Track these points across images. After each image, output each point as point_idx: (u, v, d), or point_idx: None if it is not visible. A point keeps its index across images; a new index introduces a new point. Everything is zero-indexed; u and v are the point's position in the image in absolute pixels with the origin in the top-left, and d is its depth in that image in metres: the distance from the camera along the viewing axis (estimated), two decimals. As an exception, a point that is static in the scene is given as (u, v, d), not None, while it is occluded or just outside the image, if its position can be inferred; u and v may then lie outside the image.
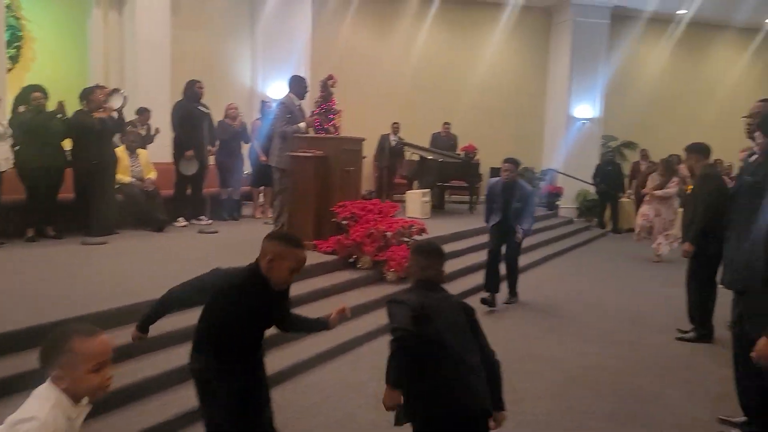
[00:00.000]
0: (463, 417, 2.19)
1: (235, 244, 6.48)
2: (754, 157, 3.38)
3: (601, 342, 5.21)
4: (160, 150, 8.20)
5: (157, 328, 2.66)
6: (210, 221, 7.80)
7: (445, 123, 11.99)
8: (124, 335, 2.89)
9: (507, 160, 6.10)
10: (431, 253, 2.49)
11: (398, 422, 2.30)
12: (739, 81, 14.87)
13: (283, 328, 2.70)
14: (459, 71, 13.46)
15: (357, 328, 4.87)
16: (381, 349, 4.69)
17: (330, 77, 12.05)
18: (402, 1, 12.84)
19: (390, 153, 11.12)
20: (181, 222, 7.69)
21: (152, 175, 7.50)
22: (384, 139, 11.30)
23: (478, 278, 6.77)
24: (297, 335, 4.28)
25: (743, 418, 3.44)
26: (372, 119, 11.62)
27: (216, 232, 7.23)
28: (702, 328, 5.25)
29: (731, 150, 9.44)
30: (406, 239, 6.44)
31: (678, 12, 13.40)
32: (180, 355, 3.35)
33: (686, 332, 5.34)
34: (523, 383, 4.08)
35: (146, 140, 8.13)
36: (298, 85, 6.93)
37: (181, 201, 7.85)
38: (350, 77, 12.37)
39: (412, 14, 13.04)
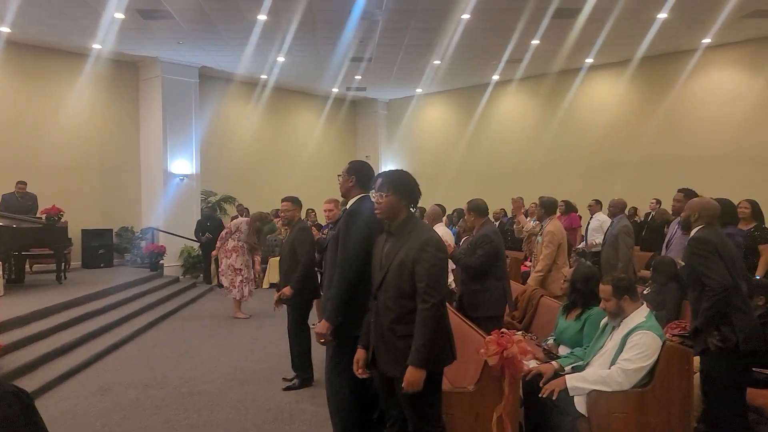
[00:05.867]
0: None
1: None
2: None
3: (210, 408, 5.08)
4: None
5: None
6: None
7: (19, 182, 10.33)
8: None
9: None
10: None
11: None
12: (319, 140, 17.12)
13: None
14: (35, 124, 11.86)
15: None
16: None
17: None
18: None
19: None
20: None
21: None
22: None
23: (72, 361, 5.95)
24: None
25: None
26: None
27: None
28: (304, 374, 5.64)
29: (318, 200, 10.55)
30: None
31: (261, 76, 14.67)
32: None
33: (290, 380, 5.64)
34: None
35: None
36: None
37: None
38: None
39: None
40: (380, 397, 3.24)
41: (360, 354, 3.18)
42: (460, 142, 16.79)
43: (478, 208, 5.16)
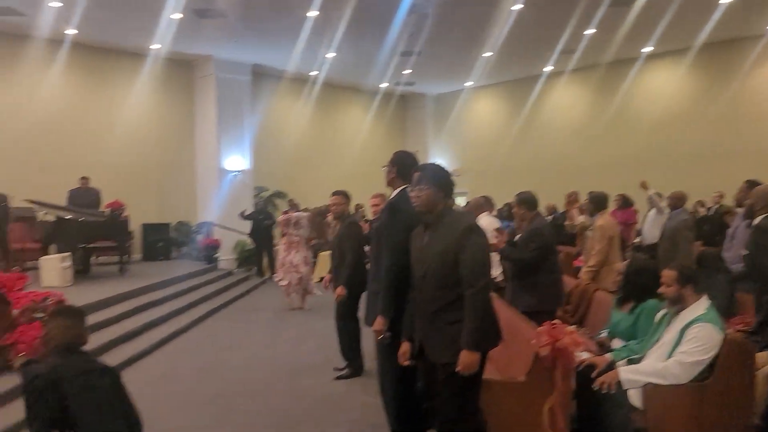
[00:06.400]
0: None
1: None
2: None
3: (263, 396, 5.22)
4: None
5: None
6: None
7: (83, 177, 10.80)
8: None
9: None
10: (70, 314, 2.53)
11: None
12: (367, 136, 17.21)
13: None
14: (99, 122, 12.39)
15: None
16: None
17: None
18: (23, 40, 11.19)
19: None
20: None
21: None
22: None
23: (135, 347, 6.21)
24: None
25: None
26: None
27: None
28: (354, 363, 5.72)
29: (366, 195, 10.62)
30: (39, 315, 5.52)
31: (311, 73, 14.88)
32: None
33: (342, 369, 5.73)
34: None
35: None
36: None
37: None
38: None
39: (37, 57, 11.48)
40: (427, 386, 3.28)
41: (405, 346, 3.25)
42: (509, 135, 16.59)
43: (527, 201, 5.09)
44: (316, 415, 4.72)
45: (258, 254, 12.69)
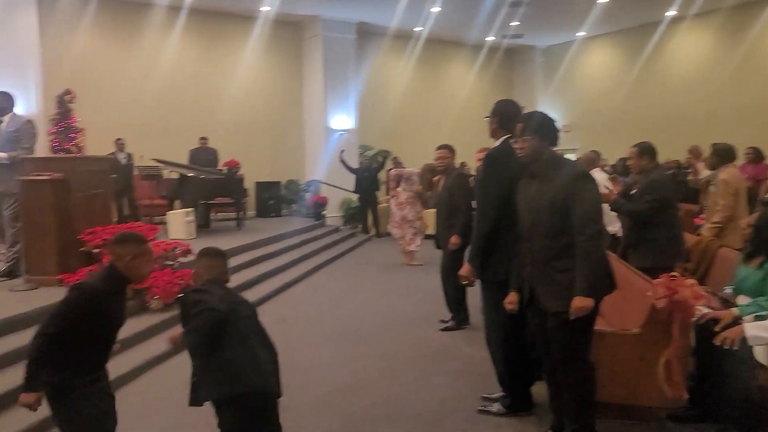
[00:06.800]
0: (256, 395, 2.48)
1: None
2: None
3: (372, 343, 5.41)
4: None
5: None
6: None
7: (202, 137, 11.51)
8: None
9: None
10: (215, 254, 2.76)
11: (195, 402, 2.50)
12: (471, 92, 16.89)
13: None
14: (214, 84, 13.06)
15: (122, 365, 4.39)
16: (153, 382, 4.38)
17: (68, 92, 10.83)
18: (145, 8, 11.96)
19: (123, 172, 10.22)
20: None
21: None
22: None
23: (252, 296, 6.62)
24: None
25: (501, 393, 3.82)
26: (114, 136, 10.70)
27: None
28: (459, 315, 5.78)
29: (470, 152, 10.51)
30: (170, 262, 6.02)
31: (416, 29, 14.73)
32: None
33: (447, 321, 5.82)
34: (294, 397, 4.00)
35: None
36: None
37: None
38: (90, 91, 11.25)
39: (158, 24, 12.23)
40: (536, 336, 3.27)
41: (512, 296, 3.24)
42: (622, 88, 15.60)
43: (648, 151, 4.81)
44: (422, 364, 4.84)
45: (363, 212, 12.98)
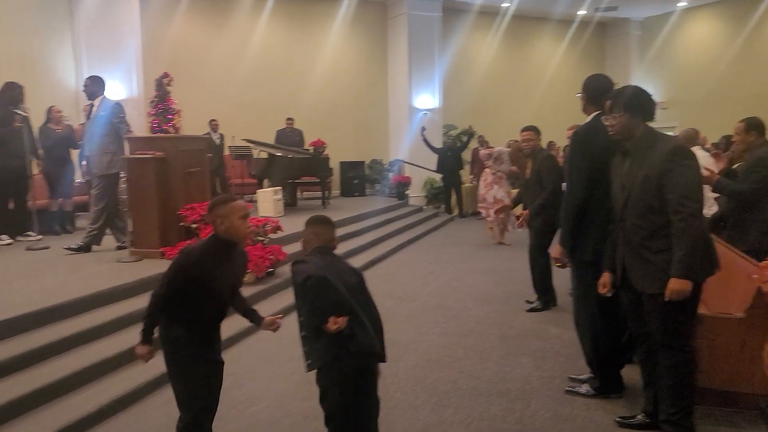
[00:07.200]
0: (361, 358, 2.51)
1: (69, 258, 5.89)
2: None
3: (458, 320, 5.43)
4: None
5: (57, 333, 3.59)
6: (39, 237, 6.97)
7: (288, 118, 11.83)
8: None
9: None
10: (324, 222, 2.79)
11: (311, 368, 2.55)
12: (558, 68, 16.35)
13: (232, 300, 2.84)
14: (299, 66, 13.34)
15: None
16: (244, 352, 4.62)
17: (165, 75, 11.38)
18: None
19: (215, 152, 10.61)
20: (5, 240, 6.84)
21: (-39, 190, 6.60)
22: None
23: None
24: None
25: (589, 375, 3.75)
26: (208, 117, 11.19)
27: (47, 248, 6.50)
28: (545, 296, 5.69)
29: (560, 131, 10.21)
30: (260, 238, 6.27)
31: (503, 5, 14.38)
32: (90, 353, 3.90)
33: (533, 302, 5.74)
34: (384, 370, 4.10)
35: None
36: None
37: (3, 216, 6.98)
38: (184, 74, 11.78)
39: (247, 7, 12.65)
40: (629, 318, 3.17)
41: (605, 277, 3.15)
42: (725, 62, 14.58)
43: (756, 126, 4.50)
44: (507, 343, 4.81)
45: (446, 192, 12.93)
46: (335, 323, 2.38)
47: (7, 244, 6.80)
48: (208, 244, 2.70)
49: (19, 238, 7.00)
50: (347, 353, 2.47)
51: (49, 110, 7.83)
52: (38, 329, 4.00)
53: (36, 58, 9.98)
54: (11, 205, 7.09)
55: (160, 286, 2.63)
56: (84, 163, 7.67)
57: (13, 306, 4.13)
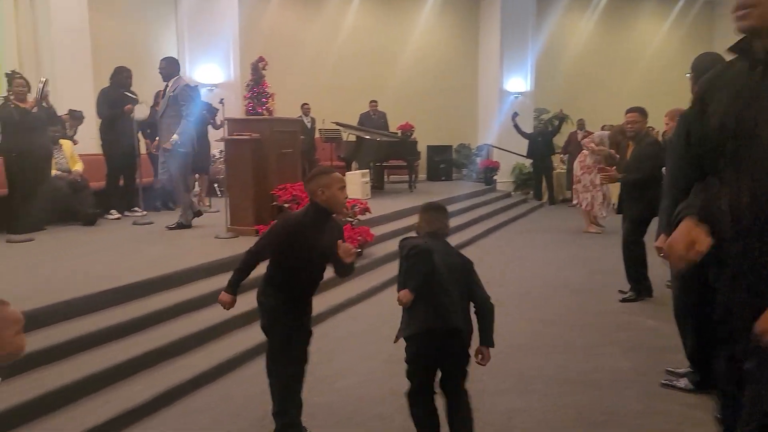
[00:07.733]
0: (439, 331, 2.59)
1: (171, 233, 6.28)
2: None
3: (544, 308, 5.34)
4: (84, 141, 7.83)
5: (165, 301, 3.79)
6: (144, 212, 7.46)
7: (372, 101, 11.84)
8: (43, 338, 3.24)
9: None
10: (437, 209, 2.90)
11: (396, 339, 2.68)
12: (659, 50, 15.47)
13: (336, 267, 2.93)
14: (388, 49, 13.41)
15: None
16: (333, 327, 4.75)
17: (260, 59, 11.78)
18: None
19: (307, 135, 10.84)
20: (114, 214, 7.39)
21: (78, 167, 7.18)
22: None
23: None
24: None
25: (688, 368, 3.58)
26: (299, 101, 11.46)
27: (151, 223, 6.95)
28: (639, 286, 5.47)
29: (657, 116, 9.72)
30: (349, 219, 6.39)
31: (600, -16, 13.78)
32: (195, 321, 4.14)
33: (626, 292, 5.53)
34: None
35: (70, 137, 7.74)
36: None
37: (113, 193, 7.53)
38: (278, 58, 12.12)
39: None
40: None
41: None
42: None
43: None
44: (597, 332, 4.68)
45: (536, 177, 12.63)
46: (405, 296, 2.53)
47: (116, 218, 7.33)
48: (306, 211, 2.84)
49: (127, 213, 7.53)
50: (415, 330, 2.59)
51: (157, 95, 8.31)
52: (147, 297, 4.30)
53: (141, 44, 10.60)
54: (121, 183, 7.61)
55: (255, 244, 2.84)
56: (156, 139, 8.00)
57: (124, 275, 4.46)
